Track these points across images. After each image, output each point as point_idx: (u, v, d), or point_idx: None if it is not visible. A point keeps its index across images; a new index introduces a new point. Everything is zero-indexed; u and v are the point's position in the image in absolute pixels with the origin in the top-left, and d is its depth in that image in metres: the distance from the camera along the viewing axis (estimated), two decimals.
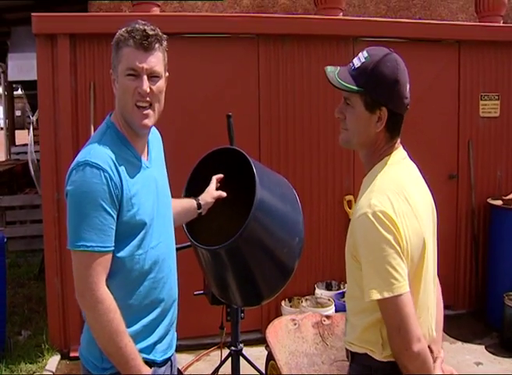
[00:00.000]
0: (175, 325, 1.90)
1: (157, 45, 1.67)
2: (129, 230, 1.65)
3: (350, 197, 4.49)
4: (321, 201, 4.52)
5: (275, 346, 2.97)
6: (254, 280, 2.58)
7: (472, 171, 4.83)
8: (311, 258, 4.46)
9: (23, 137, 13.76)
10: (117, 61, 1.69)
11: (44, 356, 3.97)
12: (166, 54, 1.73)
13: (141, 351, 1.70)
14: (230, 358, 2.98)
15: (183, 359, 3.85)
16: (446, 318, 4.88)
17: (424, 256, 1.58)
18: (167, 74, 1.76)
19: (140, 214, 1.67)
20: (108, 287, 1.61)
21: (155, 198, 1.76)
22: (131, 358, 1.62)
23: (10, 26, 7.96)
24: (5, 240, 4.19)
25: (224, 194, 2.30)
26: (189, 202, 2.20)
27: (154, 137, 1.92)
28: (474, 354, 4.18)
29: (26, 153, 10.02)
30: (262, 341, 3.37)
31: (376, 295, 1.47)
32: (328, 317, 3.22)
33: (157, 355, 1.78)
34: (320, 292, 4.32)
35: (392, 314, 1.48)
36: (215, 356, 3.81)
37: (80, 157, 1.64)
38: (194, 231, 2.32)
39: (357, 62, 1.59)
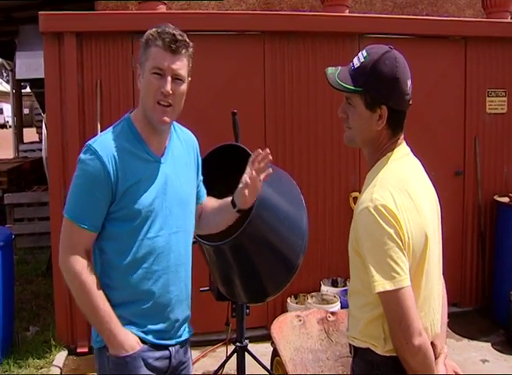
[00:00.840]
0: (179, 323, 1.91)
1: (183, 50, 1.77)
2: (125, 216, 1.76)
3: (356, 194, 4.49)
4: (327, 198, 4.53)
5: (280, 342, 2.99)
6: (258, 276, 2.59)
7: (479, 168, 4.81)
8: (317, 255, 4.47)
9: (31, 134, 13.85)
10: (144, 58, 1.78)
11: (51, 352, 4.01)
12: (191, 60, 1.83)
13: (130, 322, 1.78)
14: (236, 354, 2.99)
15: None
16: (453, 315, 4.88)
17: (426, 251, 1.58)
18: (189, 79, 1.84)
19: (138, 203, 1.76)
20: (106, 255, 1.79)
21: (161, 193, 1.81)
22: (105, 320, 1.73)
23: (18, 25, 8.01)
24: (13, 237, 4.23)
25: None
26: (225, 200, 2.06)
27: (187, 142, 1.99)
28: (480, 351, 4.17)
29: (33, 151, 10.11)
30: (268, 338, 3.38)
31: (378, 288, 1.48)
32: (333, 313, 3.23)
33: (149, 335, 1.81)
34: (326, 289, 4.33)
35: (393, 307, 1.49)
36: (221, 352, 3.82)
37: (89, 141, 1.81)
38: None
39: (356, 62, 1.61)
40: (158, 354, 1.84)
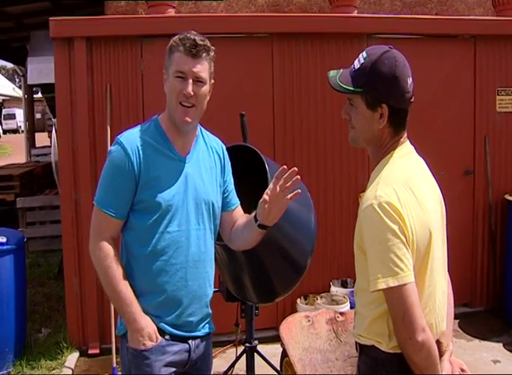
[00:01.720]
0: (197, 319, 1.95)
1: (204, 54, 1.87)
2: (146, 208, 1.86)
3: None
4: (336, 198, 4.53)
5: (289, 342, 2.99)
6: (268, 276, 2.61)
7: (489, 167, 4.78)
8: (327, 256, 4.47)
9: (43, 139, 13.99)
10: (169, 63, 1.90)
11: (63, 353, 4.05)
12: (213, 64, 1.93)
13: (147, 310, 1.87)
14: (245, 355, 3.00)
15: None
16: (463, 315, 4.83)
17: (430, 247, 1.58)
18: (212, 81, 1.95)
19: (158, 196, 1.85)
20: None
21: (182, 190, 1.89)
22: (126, 303, 1.82)
23: (29, 31, 8.10)
24: (26, 240, 4.28)
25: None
26: (252, 214, 2.00)
27: (213, 148, 2.05)
28: (491, 352, 4.14)
29: (45, 155, 10.21)
30: (278, 339, 3.38)
31: (381, 284, 1.48)
32: (342, 314, 3.23)
33: (165, 326, 1.88)
34: (335, 289, 4.33)
35: (396, 303, 1.49)
36: (231, 353, 3.83)
37: (119, 135, 1.94)
38: None
39: (357, 64, 1.65)
40: (177, 347, 1.90)
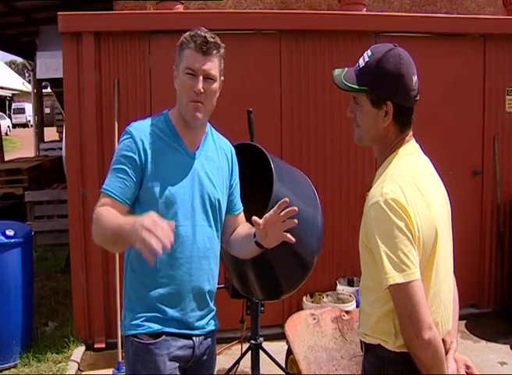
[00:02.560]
0: (201, 315, 1.95)
1: (214, 52, 1.87)
2: (149, 199, 1.85)
3: None
4: (343, 197, 4.52)
5: (294, 340, 2.99)
6: (274, 274, 2.61)
7: (498, 167, 4.75)
8: (333, 254, 4.46)
9: (52, 134, 14.06)
10: (179, 60, 1.90)
11: (69, 347, 4.07)
12: (223, 61, 1.93)
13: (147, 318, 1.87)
14: (250, 352, 3.00)
15: None
16: (470, 316, 4.79)
17: (436, 245, 1.58)
18: (222, 78, 1.95)
19: (164, 187, 1.85)
20: None
21: (187, 185, 1.89)
22: (123, 223, 1.67)
23: (38, 26, 8.14)
24: (33, 234, 4.30)
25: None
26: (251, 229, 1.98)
27: (222, 149, 2.05)
28: (498, 353, 4.11)
29: (54, 149, 10.25)
30: (283, 336, 3.38)
31: (388, 281, 1.48)
32: (347, 312, 3.22)
33: (171, 323, 1.88)
34: (341, 288, 4.32)
35: (403, 301, 1.48)
36: (237, 350, 3.83)
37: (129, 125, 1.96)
38: None
39: (361, 62, 1.64)
40: (181, 343, 1.90)
